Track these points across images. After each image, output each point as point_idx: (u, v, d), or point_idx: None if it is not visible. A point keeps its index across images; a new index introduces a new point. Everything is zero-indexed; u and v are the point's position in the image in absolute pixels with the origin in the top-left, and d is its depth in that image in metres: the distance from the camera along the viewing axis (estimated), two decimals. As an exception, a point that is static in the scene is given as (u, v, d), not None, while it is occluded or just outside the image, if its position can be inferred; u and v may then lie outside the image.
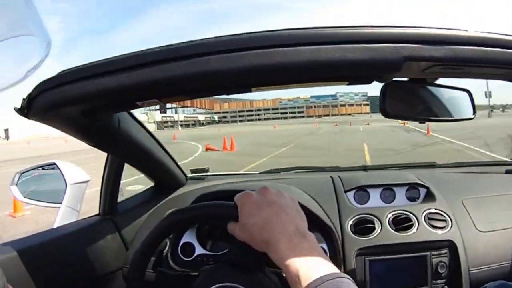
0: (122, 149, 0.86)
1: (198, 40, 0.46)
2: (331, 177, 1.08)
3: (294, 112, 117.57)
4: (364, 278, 0.84)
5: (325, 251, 0.84)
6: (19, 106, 0.56)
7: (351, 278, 0.45)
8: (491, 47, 0.44)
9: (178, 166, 1.15)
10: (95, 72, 0.48)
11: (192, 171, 1.36)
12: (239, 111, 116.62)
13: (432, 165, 1.28)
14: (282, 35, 0.44)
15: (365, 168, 1.29)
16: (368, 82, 0.52)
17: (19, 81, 0.31)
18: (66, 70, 0.51)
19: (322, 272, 0.44)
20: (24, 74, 0.31)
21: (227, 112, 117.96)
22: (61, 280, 0.84)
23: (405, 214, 0.90)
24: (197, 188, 1.08)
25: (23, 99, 0.54)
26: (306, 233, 0.53)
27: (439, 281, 0.84)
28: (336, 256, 0.83)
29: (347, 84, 0.52)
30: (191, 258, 0.87)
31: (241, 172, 1.43)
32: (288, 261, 0.48)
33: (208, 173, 1.37)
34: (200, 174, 1.34)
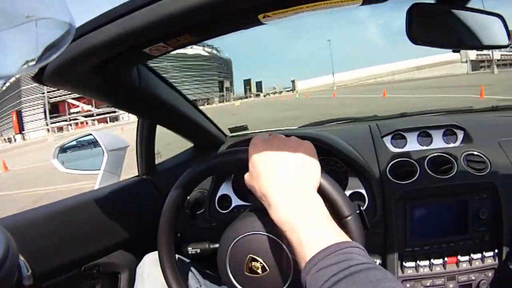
0: (147, 108, 0.84)
1: None
2: (368, 125, 1.07)
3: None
4: (404, 223, 0.83)
5: (364, 197, 0.84)
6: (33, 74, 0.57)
7: (360, 246, 0.40)
8: None
9: (215, 125, 1.14)
10: (95, 26, 0.49)
11: (231, 130, 1.33)
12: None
13: (468, 110, 1.24)
14: None
15: (402, 115, 1.26)
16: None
17: (38, 67, 0.31)
18: None
19: (328, 242, 0.39)
20: (48, 58, 0.30)
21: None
22: (101, 239, 0.87)
23: (444, 156, 0.88)
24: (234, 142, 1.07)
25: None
26: (313, 193, 0.46)
27: (480, 229, 0.82)
28: (375, 201, 0.83)
29: (361, 4, 0.48)
30: (228, 210, 0.89)
31: (280, 128, 1.35)
32: (288, 226, 0.42)
33: (248, 131, 1.36)
34: (239, 133, 1.33)
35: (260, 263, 0.55)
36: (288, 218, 0.43)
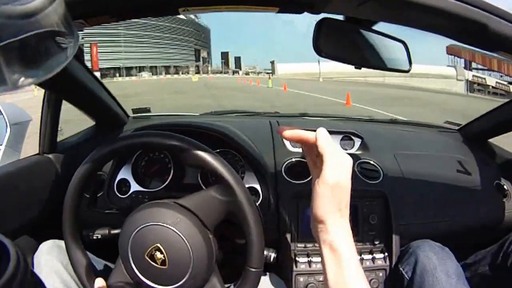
0: (54, 82, 0.80)
1: None
2: (269, 121, 1.09)
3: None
4: (297, 220, 0.86)
5: (258, 192, 0.86)
6: None
7: None
8: None
9: (119, 105, 1.11)
10: None
11: (134, 111, 1.32)
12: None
13: (368, 120, 1.32)
14: None
15: (302, 115, 1.30)
16: (300, 10, 0.50)
17: (46, 77, 0.30)
18: None
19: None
20: (51, 71, 0.29)
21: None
22: (6, 220, 0.80)
23: None
24: (139, 126, 1.05)
25: None
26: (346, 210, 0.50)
27: (370, 233, 0.87)
28: (269, 198, 0.85)
29: (278, 12, 0.50)
30: (126, 195, 0.87)
31: (182, 113, 1.40)
32: (338, 254, 0.47)
33: (150, 113, 1.36)
34: (142, 114, 1.32)
35: (164, 255, 0.55)
36: (343, 249, 0.47)
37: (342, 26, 0.59)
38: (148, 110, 1.35)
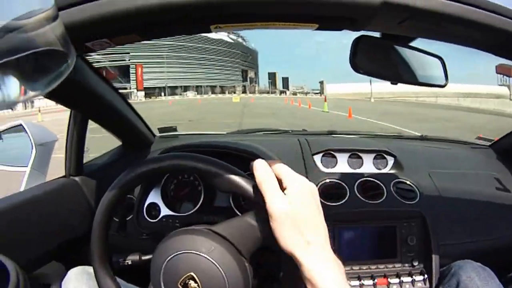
0: (81, 102, 0.79)
1: None
2: (298, 140, 1.06)
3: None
4: (333, 244, 0.83)
5: None
6: None
7: None
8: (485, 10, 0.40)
9: (145, 124, 1.10)
10: None
11: (160, 130, 1.31)
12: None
13: (398, 137, 1.31)
14: None
15: (330, 133, 1.27)
16: (339, 27, 0.48)
17: (40, 95, 0.31)
18: None
19: None
20: (46, 88, 0.31)
21: None
22: (26, 245, 0.79)
23: (374, 181, 0.89)
24: (166, 146, 1.04)
25: None
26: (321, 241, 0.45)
27: (408, 254, 0.84)
28: None
29: (316, 29, 0.48)
30: (156, 220, 0.85)
31: (209, 132, 1.41)
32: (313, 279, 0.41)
33: (177, 132, 1.34)
34: (168, 134, 1.30)
35: (198, 284, 0.53)
36: (316, 278, 0.41)
37: (379, 43, 0.59)
38: (174, 129, 1.34)
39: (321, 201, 0.84)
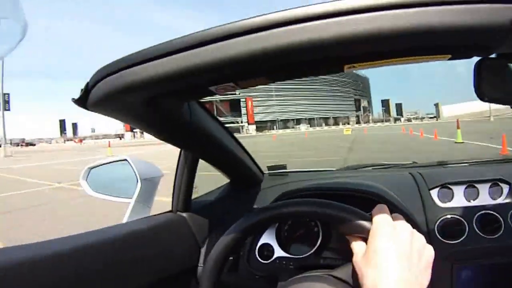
0: (195, 143, 0.82)
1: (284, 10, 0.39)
2: (410, 173, 1.00)
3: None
4: (450, 285, 0.79)
5: None
6: (76, 97, 0.52)
7: None
8: None
9: (254, 162, 1.11)
10: (158, 54, 0.43)
11: (269, 168, 1.32)
12: None
13: (506, 160, 1.18)
14: None
15: (442, 164, 1.20)
16: (471, 55, 0.44)
17: None
18: (128, 55, 0.47)
19: None
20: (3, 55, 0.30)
21: None
22: (129, 277, 0.80)
23: (492, 214, 0.82)
24: (275, 185, 1.05)
25: (81, 89, 0.51)
26: None
27: None
28: None
29: (449, 59, 0.45)
30: (269, 261, 0.82)
31: (319, 169, 1.36)
32: None
33: (285, 170, 1.34)
34: (277, 171, 1.31)
35: None
36: None
37: (502, 65, 0.50)
38: (284, 167, 1.34)
39: (440, 240, 0.83)
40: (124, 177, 1.11)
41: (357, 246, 0.51)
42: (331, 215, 0.55)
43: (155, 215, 0.98)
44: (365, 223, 0.51)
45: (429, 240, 0.77)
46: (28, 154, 31.17)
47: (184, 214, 0.96)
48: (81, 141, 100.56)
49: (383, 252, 0.45)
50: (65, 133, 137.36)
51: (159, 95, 0.52)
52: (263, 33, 0.38)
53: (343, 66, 0.46)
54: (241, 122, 71.64)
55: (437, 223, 0.83)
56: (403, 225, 0.49)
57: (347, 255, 0.55)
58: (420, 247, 0.47)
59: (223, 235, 0.62)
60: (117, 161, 1.15)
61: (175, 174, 0.95)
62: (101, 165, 1.19)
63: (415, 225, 0.76)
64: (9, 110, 34.49)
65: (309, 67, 0.47)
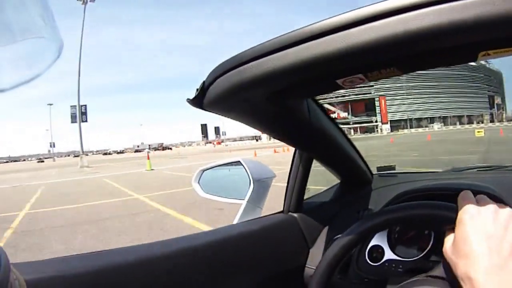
0: (311, 142, 0.81)
1: None
2: None
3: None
4: None
5: None
6: (191, 97, 0.53)
7: None
8: None
9: (365, 162, 1.07)
10: (285, 44, 0.41)
11: (379, 169, 1.30)
12: None
13: None
14: None
15: None
16: None
17: (26, 83, 0.31)
18: (246, 50, 0.46)
19: None
20: (31, 77, 0.31)
21: None
22: (240, 276, 0.82)
23: None
24: (385, 185, 1.02)
25: (197, 89, 0.51)
26: None
27: None
28: None
29: None
30: (379, 264, 0.78)
31: (427, 170, 1.29)
32: None
33: (395, 171, 1.30)
34: (387, 172, 1.27)
35: None
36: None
37: None
38: (393, 168, 1.31)
39: None
40: (237, 178, 1.15)
41: (447, 237, 0.49)
42: (418, 215, 0.55)
43: (266, 215, 0.98)
44: (448, 213, 0.50)
45: None
46: (116, 162, 32.66)
47: (296, 215, 0.96)
48: (219, 143, 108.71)
49: (468, 239, 0.44)
50: (204, 137, 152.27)
51: (283, 90, 0.51)
52: (392, 18, 0.35)
53: (477, 54, 0.41)
54: (375, 121, 69.97)
55: None
56: (485, 205, 0.47)
57: None
58: (504, 221, 0.44)
59: (340, 236, 0.60)
60: (231, 163, 1.20)
61: (289, 174, 0.95)
62: (214, 167, 1.27)
63: None
64: (86, 121, 39.79)
65: (441, 56, 0.42)
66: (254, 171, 1.06)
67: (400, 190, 0.90)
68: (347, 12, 0.39)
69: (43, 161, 79.70)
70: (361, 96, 71.47)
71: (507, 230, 0.44)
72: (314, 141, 0.81)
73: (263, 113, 0.61)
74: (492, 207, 0.46)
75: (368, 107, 73.33)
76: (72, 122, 38.86)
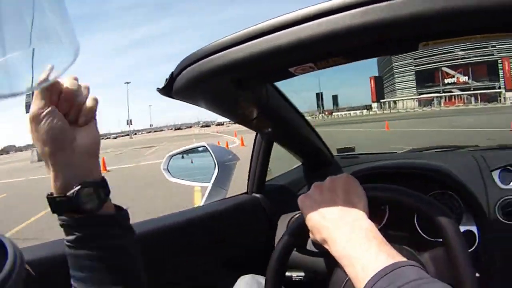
0: (270, 126, 0.85)
1: None
2: (472, 156, 1.01)
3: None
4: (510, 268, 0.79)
5: (474, 235, 0.81)
6: (161, 86, 0.56)
7: (416, 263, 0.40)
8: None
9: (324, 144, 1.12)
10: (245, 38, 0.46)
11: (338, 150, 1.36)
12: None
13: None
14: None
15: (503, 147, 1.19)
16: None
17: (46, 85, 0.33)
18: (214, 42, 0.50)
19: (379, 266, 0.39)
20: (51, 78, 0.32)
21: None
22: (208, 256, 0.85)
23: None
24: (344, 166, 1.07)
25: (166, 79, 0.55)
26: (363, 221, 0.47)
27: None
28: (484, 242, 0.80)
29: None
30: None
31: (383, 151, 1.37)
32: (343, 257, 0.44)
33: (354, 152, 1.37)
34: (346, 154, 1.33)
35: None
36: (344, 252, 0.44)
37: None
38: (352, 149, 1.37)
39: (501, 220, 0.84)
40: (203, 162, 1.18)
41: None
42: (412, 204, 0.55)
43: (230, 197, 1.02)
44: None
45: (490, 220, 0.83)
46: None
47: (258, 195, 1.01)
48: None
49: (311, 218, 0.51)
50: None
51: (242, 78, 0.56)
52: (339, 15, 0.39)
53: (419, 44, 0.45)
54: (498, 87, 57.15)
55: (498, 204, 0.85)
56: (313, 188, 0.54)
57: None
58: (325, 190, 0.52)
59: (299, 213, 0.63)
60: (196, 147, 1.23)
61: (251, 158, 0.99)
62: (181, 152, 1.29)
63: (477, 205, 0.82)
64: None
65: (384, 47, 0.47)
66: (219, 155, 1.10)
67: (357, 169, 0.97)
68: (298, 10, 0.43)
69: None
70: (482, 58, 59.73)
71: (322, 194, 0.51)
72: (273, 125, 0.85)
73: (225, 100, 0.65)
74: (314, 187, 0.54)
75: (490, 70, 60.20)
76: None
